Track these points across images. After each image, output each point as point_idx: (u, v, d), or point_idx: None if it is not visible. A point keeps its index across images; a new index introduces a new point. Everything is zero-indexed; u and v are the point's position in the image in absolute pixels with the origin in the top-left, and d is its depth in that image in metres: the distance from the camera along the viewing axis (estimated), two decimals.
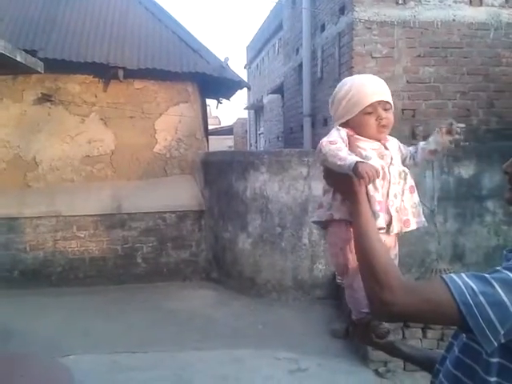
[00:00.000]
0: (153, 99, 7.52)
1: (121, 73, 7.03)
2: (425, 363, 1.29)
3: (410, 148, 1.51)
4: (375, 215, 1.32)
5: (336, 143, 1.33)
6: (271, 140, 14.28)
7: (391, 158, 1.39)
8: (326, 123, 7.97)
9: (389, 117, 1.41)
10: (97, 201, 6.91)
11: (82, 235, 6.86)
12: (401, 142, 1.53)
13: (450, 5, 6.65)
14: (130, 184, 7.26)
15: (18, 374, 3.59)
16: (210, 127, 12.07)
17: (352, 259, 1.35)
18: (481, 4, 6.67)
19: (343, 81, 1.47)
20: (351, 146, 1.37)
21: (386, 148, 1.41)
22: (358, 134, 1.41)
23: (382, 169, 1.35)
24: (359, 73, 6.80)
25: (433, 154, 1.47)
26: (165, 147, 7.57)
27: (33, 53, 6.21)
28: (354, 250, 1.31)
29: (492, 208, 5.98)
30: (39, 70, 4.50)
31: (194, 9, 77.52)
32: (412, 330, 4.25)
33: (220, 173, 6.93)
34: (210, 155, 7.63)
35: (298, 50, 9.34)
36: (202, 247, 7.18)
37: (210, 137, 10.22)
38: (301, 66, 8.84)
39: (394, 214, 1.36)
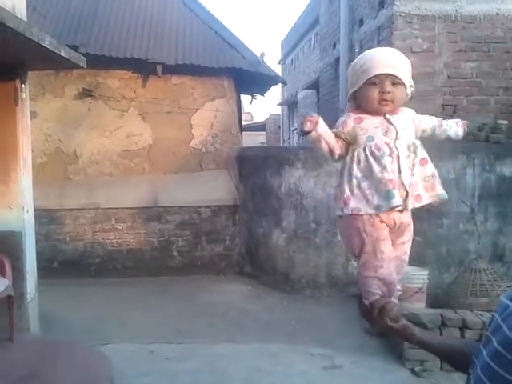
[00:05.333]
0: (189, 94, 7.59)
1: (159, 68, 7.13)
2: (439, 350, 1.23)
3: (435, 121, 1.48)
4: (390, 195, 1.31)
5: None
6: (305, 136, 14.20)
7: (396, 133, 1.37)
8: None
9: (395, 91, 1.37)
10: (134, 194, 7.05)
11: (120, 227, 7.02)
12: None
13: None
14: (167, 178, 7.36)
15: (61, 358, 3.71)
16: (243, 123, 12.10)
17: (367, 241, 1.36)
18: None
19: (366, 51, 1.48)
20: (353, 129, 1.39)
21: (390, 123, 1.39)
22: (363, 109, 1.40)
23: (388, 145, 1.35)
24: None
25: (448, 139, 1.48)
26: (201, 142, 7.64)
27: (74, 48, 6.35)
28: (368, 232, 1.34)
29: None
30: (82, 65, 4.59)
31: (228, 3, 77.74)
32: (450, 330, 4.18)
33: (255, 168, 6.95)
34: (245, 150, 7.66)
35: (334, 45, 9.25)
36: (236, 242, 7.23)
37: (243, 132, 10.25)
38: (338, 60, 8.76)
39: (409, 189, 1.34)
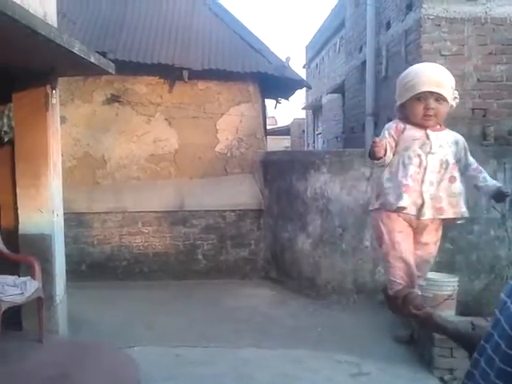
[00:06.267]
0: (215, 99, 7.63)
1: (185, 74, 7.18)
2: (460, 338, 1.30)
3: (474, 164, 1.59)
4: (400, 197, 1.46)
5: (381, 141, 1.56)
6: (329, 140, 14.13)
7: (430, 147, 1.50)
8: None
9: (438, 108, 1.49)
10: (161, 198, 7.12)
11: (147, 231, 7.09)
12: (470, 145, 1.65)
13: None
14: (192, 182, 7.41)
15: (89, 360, 3.76)
16: (267, 127, 12.09)
17: (385, 231, 1.50)
18: None
19: (413, 65, 1.60)
20: (398, 137, 1.57)
21: (428, 138, 1.51)
22: (408, 119, 1.55)
23: (419, 157, 1.48)
24: None
25: (475, 187, 1.60)
26: (226, 146, 7.67)
27: (103, 54, 6.46)
28: (385, 223, 1.50)
29: None
30: (111, 71, 4.66)
31: (253, 8, 78.08)
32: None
33: (280, 172, 6.94)
34: (270, 155, 7.66)
35: (361, 48, 9.18)
36: (260, 246, 7.23)
37: (267, 137, 10.24)
38: (364, 64, 8.69)
39: (427, 200, 1.46)
